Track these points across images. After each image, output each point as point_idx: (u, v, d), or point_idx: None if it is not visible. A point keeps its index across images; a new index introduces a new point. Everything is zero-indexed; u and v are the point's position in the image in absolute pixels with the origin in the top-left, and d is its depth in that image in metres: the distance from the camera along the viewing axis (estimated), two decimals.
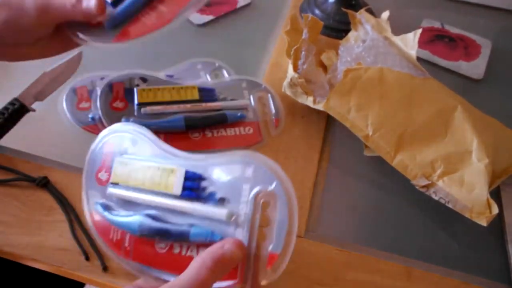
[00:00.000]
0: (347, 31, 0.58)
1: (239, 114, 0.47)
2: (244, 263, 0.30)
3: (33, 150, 0.45)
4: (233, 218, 0.31)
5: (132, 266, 0.34)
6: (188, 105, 0.47)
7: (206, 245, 0.31)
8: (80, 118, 0.47)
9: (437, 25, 0.65)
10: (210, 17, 0.62)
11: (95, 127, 0.46)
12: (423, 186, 0.42)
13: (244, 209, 0.31)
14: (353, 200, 0.45)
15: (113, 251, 0.35)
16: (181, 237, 0.32)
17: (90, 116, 0.47)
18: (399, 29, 0.55)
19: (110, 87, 0.48)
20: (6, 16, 0.35)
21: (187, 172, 0.33)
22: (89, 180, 0.36)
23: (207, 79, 0.53)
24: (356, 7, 0.60)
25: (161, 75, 0.51)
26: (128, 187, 0.35)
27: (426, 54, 0.61)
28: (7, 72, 0.52)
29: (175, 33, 0.59)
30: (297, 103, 0.49)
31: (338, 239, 0.42)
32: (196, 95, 0.48)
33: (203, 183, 0.33)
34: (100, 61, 0.54)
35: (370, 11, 0.61)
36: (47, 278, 0.57)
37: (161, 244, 0.33)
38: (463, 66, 0.59)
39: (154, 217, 0.33)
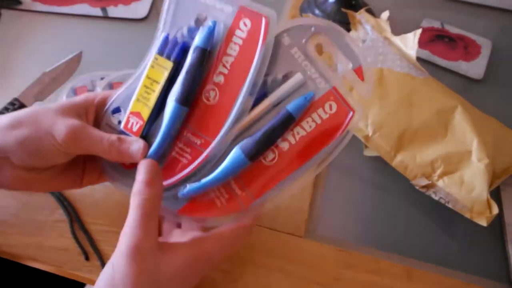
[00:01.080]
0: (347, 31, 0.58)
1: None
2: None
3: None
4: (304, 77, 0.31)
5: (262, 203, 0.32)
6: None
7: (308, 113, 0.31)
8: None
9: (437, 25, 0.65)
10: None
11: None
12: (423, 187, 0.42)
13: (307, 64, 0.31)
14: (353, 200, 0.44)
15: (234, 212, 0.32)
16: (286, 123, 0.30)
17: None
18: (399, 29, 0.55)
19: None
20: (26, 137, 0.30)
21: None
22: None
23: None
24: (356, 7, 0.60)
25: None
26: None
27: (426, 54, 0.61)
28: (7, 72, 0.52)
29: None
30: None
31: (338, 239, 0.42)
32: None
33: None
34: (99, 61, 0.54)
35: (370, 11, 0.61)
36: (47, 278, 0.57)
37: (269, 156, 0.31)
38: (463, 66, 0.59)
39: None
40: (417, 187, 0.43)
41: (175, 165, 0.33)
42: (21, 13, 0.58)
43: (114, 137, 0.31)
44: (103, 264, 0.38)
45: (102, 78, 0.50)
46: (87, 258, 0.38)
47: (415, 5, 0.69)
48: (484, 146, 0.43)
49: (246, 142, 0.31)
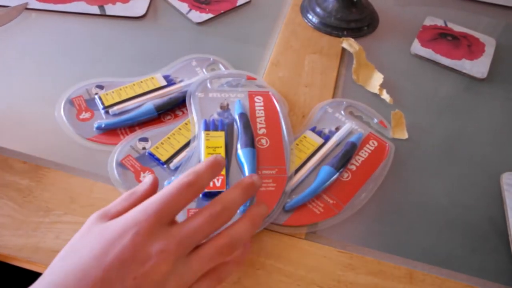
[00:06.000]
0: (348, 29, 0.58)
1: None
2: None
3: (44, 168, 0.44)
4: None
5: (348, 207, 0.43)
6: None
7: (362, 146, 0.47)
8: (85, 129, 0.46)
9: (440, 23, 0.64)
10: (210, 15, 0.61)
11: (101, 137, 0.45)
12: None
13: (349, 121, 0.49)
14: (354, 201, 0.44)
15: (330, 216, 0.41)
16: (353, 149, 0.46)
17: (95, 125, 0.46)
18: (401, 27, 0.54)
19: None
20: None
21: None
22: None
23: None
24: (357, 5, 0.59)
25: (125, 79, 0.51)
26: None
27: (429, 53, 0.60)
28: (1, 72, 0.52)
29: (174, 32, 0.59)
30: (298, 101, 0.48)
31: (339, 240, 0.41)
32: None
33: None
34: (97, 59, 0.54)
35: (367, 3, 0.60)
36: (21, 273, 0.56)
37: (345, 175, 0.44)
38: (467, 65, 0.59)
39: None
40: None
41: (268, 195, 0.41)
42: None
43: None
44: None
45: (97, 86, 0.49)
46: None
47: (418, 3, 0.68)
48: None
49: (331, 161, 0.44)
